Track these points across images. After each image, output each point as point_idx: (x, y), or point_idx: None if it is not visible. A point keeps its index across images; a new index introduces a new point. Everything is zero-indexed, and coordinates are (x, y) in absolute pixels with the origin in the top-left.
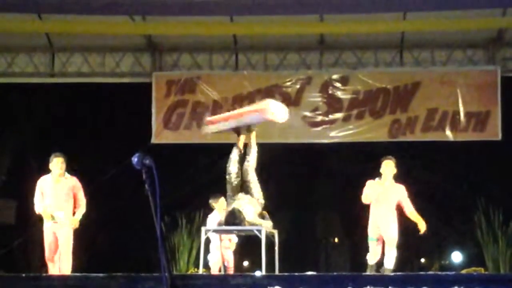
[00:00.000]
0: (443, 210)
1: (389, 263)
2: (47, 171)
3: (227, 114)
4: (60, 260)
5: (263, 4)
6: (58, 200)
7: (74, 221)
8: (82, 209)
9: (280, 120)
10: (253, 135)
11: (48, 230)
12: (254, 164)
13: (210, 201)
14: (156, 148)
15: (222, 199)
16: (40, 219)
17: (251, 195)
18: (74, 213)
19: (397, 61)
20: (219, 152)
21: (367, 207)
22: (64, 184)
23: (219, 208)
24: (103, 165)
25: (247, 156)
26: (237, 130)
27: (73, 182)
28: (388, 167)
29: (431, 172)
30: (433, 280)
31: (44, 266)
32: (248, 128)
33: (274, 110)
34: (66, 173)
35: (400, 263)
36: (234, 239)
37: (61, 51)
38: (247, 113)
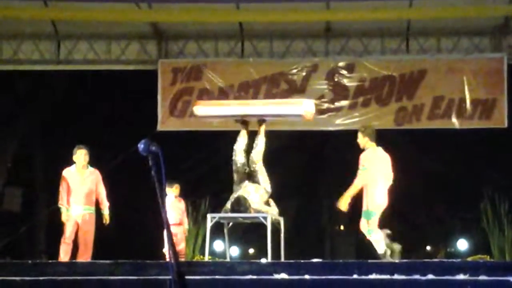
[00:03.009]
0: (449, 198)
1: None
2: (57, 160)
3: (238, 101)
4: (80, 253)
5: None
6: (82, 191)
7: (106, 218)
8: (106, 203)
9: (309, 117)
10: (263, 126)
11: (71, 217)
12: (262, 153)
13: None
14: (162, 135)
15: (177, 185)
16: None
17: (258, 183)
18: (95, 204)
19: (403, 49)
20: (225, 139)
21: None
22: (88, 176)
23: (173, 193)
24: (109, 152)
25: (254, 145)
26: (244, 120)
27: (96, 174)
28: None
29: (437, 160)
30: (439, 267)
31: (44, 252)
32: (261, 119)
33: (308, 109)
34: (89, 165)
35: (406, 250)
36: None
37: (66, 38)
38: (279, 107)
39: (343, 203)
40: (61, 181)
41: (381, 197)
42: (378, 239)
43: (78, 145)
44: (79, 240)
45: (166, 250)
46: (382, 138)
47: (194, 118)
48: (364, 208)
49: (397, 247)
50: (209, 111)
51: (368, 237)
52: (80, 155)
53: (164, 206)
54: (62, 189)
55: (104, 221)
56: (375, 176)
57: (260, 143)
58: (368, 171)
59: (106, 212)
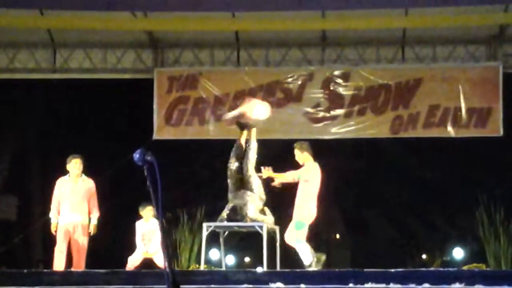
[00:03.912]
0: (445, 207)
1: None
2: (53, 169)
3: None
4: (74, 262)
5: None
6: (75, 201)
7: (93, 227)
8: (96, 213)
9: (260, 118)
10: (253, 131)
11: (63, 226)
12: (254, 160)
13: (139, 208)
14: (158, 144)
15: (149, 208)
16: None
17: (252, 191)
18: (88, 215)
19: (399, 57)
20: (220, 148)
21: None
22: (82, 185)
23: (146, 216)
24: (104, 161)
25: (247, 153)
26: (241, 126)
27: (90, 184)
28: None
29: (432, 168)
30: (435, 276)
31: (41, 261)
32: (249, 125)
33: (254, 110)
34: (83, 174)
35: (402, 259)
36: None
37: (62, 47)
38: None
39: (268, 174)
40: (54, 191)
41: (314, 210)
42: (306, 250)
43: (72, 154)
44: (72, 249)
45: (131, 257)
46: (378, 147)
47: (189, 127)
48: (296, 218)
49: (321, 256)
50: None
51: (294, 246)
52: (74, 164)
53: (160, 215)
54: (54, 199)
55: (89, 231)
56: (312, 190)
57: (252, 149)
58: (307, 182)
59: (93, 222)
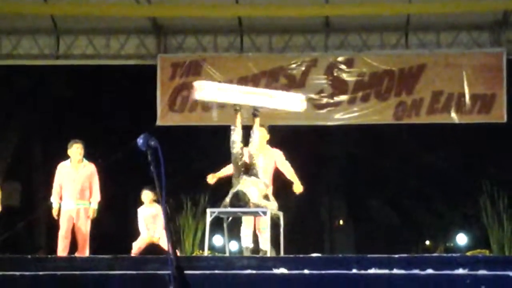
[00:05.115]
0: (448, 193)
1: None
2: (56, 155)
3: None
4: (78, 247)
5: None
6: (77, 186)
7: (92, 211)
8: (97, 197)
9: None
10: (258, 119)
11: (66, 212)
12: (258, 146)
13: (141, 194)
14: (161, 131)
15: (145, 192)
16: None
17: (256, 176)
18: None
19: (403, 43)
20: (224, 134)
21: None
22: (83, 170)
23: (146, 201)
24: (108, 147)
25: (251, 139)
26: (238, 107)
27: (92, 168)
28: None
29: (436, 155)
30: (438, 262)
31: (41, 248)
32: (254, 112)
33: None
34: (84, 159)
35: (405, 245)
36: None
37: (66, 33)
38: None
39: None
40: (55, 176)
41: None
42: (268, 239)
43: (73, 139)
44: (76, 235)
45: (135, 243)
46: (381, 133)
47: (193, 113)
48: None
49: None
50: (209, 95)
51: (261, 233)
52: (76, 149)
53: (164, 200)
54: (55, 184)
55: (88, 215)
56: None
57: (256, 135)
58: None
59: (93, 206)
